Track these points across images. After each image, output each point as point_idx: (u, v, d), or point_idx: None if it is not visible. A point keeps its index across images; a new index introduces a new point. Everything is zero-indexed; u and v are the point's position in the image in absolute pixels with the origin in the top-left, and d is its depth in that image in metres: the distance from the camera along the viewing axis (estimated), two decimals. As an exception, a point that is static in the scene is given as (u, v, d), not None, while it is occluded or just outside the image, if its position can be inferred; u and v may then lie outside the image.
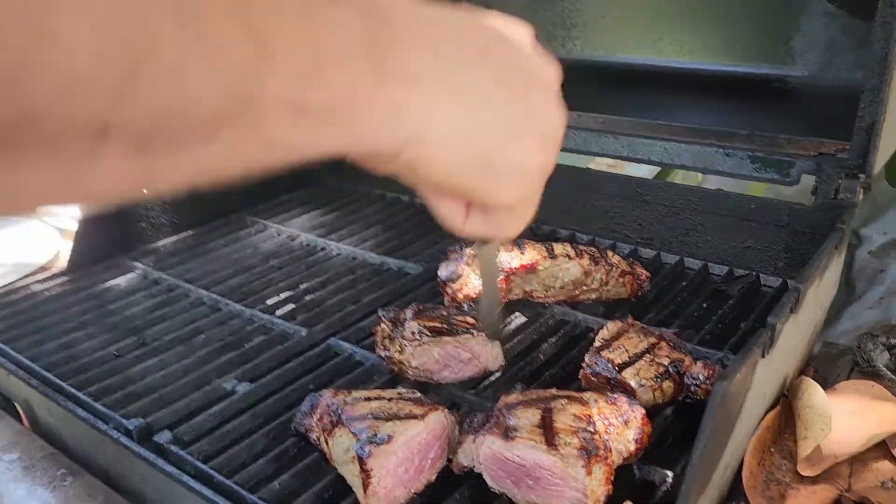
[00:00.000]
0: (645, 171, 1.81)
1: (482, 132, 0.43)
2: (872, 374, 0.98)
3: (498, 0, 1.52)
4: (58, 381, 0.92)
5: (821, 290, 0.93)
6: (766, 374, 0.78)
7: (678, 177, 1.73)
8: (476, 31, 0.45)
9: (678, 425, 0.81)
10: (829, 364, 1.03)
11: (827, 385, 0.97)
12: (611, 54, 1.42)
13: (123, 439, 0.81)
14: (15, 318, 1.07)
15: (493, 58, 0.45)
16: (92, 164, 0.29)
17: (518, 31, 0.49)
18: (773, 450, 0.87)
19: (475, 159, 0.44)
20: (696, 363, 0.81)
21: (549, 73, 0.49)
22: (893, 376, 0.96)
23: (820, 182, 1.03)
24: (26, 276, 1.28)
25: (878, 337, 1.01)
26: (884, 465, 0.83)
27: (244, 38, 0.30)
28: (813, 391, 0.87)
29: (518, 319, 1.02)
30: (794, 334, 0.85)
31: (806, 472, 0.82)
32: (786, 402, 0.90)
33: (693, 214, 1.15)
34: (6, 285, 1.19)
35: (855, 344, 1.02)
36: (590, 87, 1.44)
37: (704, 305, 1.04)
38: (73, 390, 0.90)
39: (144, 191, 0.32)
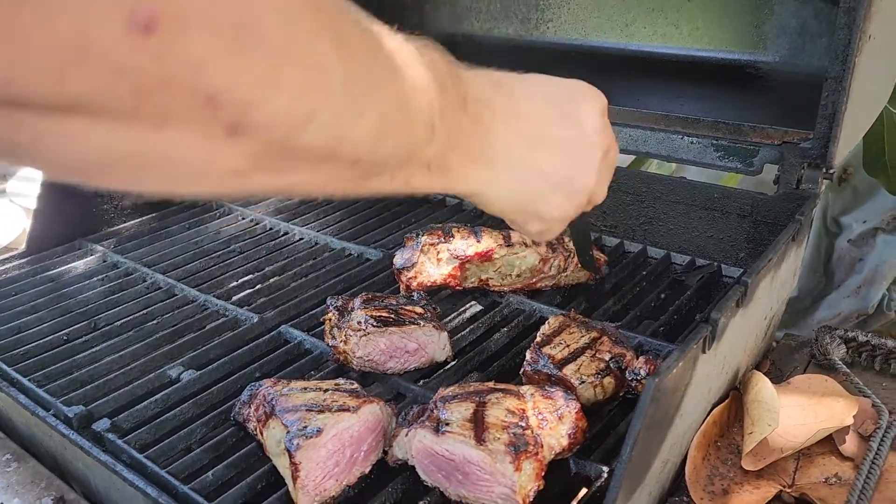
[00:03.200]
0: (621, 160, 1.80)
1: (521, 197, 0.64)
2: (828, 368, 0.97)
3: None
4: (4, 366, 0.91)
5: (776, 282, 0.92)
6: (709, 368, 0.77)
7: (652, 166, 1.72)
8: (545, 113, 0.63)
9: (621, 421, 0.80)
10: (787, 357, 1.02)
11: (783, 378, 0.96)
12: (582, 38, 1.40)
13: (62, 427, 0.80)
14: (-32, 300, 1.07)
15: (551, 140, 0.63)
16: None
17: (591, 105, 0.66)
18: (719, 444, 0.86)
19: (516, 210, 0.65)
20: (637, 358, 0.80)
21: (600, 143, 0.66)
22: (849, 370, 0.95)
23: (782, 171, 1.01)
24: (-13, 258, 1.27)
25: (836, 330, 1.00)
26: (829, 461, 0.83)
27: (426, 129, 0.50)
28: (762, 385, 0.86)
29: (473, 309, 1.01)
30: (744, 328, 0.84)
31: (749, 467, 0.81)
32: (737, 396, 0.89)
33: (657, 203, 1.14)
34: (-37, 267, 1.18)
35: (813, 337, 1.01)
36: (561, 71, 1.42)
37: (662, 296, 1.03)
38: (17, 376, 0.89)
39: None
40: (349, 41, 0.42)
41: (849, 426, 0.84)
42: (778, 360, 1.01)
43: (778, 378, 0.95)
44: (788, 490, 0.79)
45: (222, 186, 0.41)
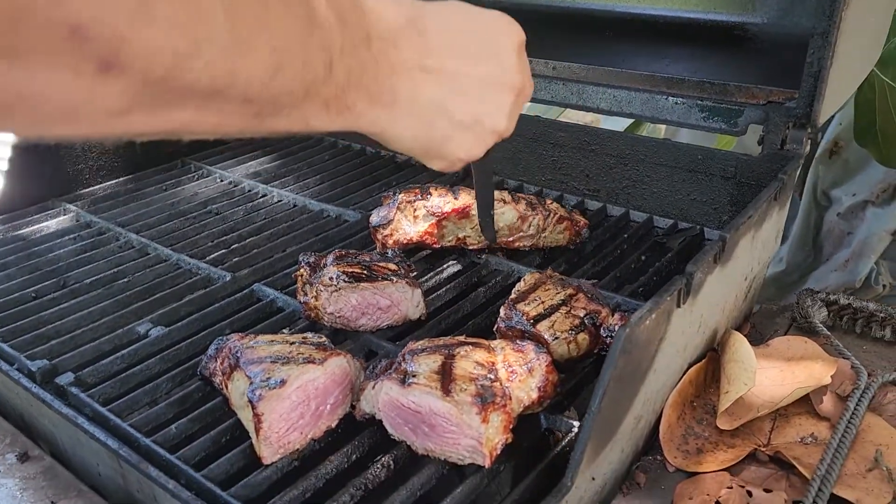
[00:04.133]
0: (622, 125, 1.78)
1: (426, 137, 0.61)
2: (809, 331, 0.96)
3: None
4: (-32, 321, 0.89)
5: (757, 242, 0.90)
6: (684, 324, 0.75)
7: (645, 130, 1.70)
8: (456, 47, 0.60)
9: (595, 377, 0.79)
10: (768, 320, 1.01)
11: (763, 341, 0.95)
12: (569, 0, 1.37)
13: (25, 381, 0.79)
14: (-65, 258, 1.04)
15: (460, 78, 0.61)
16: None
17: (508, 40, 0.63)
18: (695, 404, 0.85)
19: (417, 149, 0.63)
20: (613, 315, 0.78)
21: (514, 85, 0.64)
22: (829, 333, 0.94)
23: (767, 132, 0.99)
24: (-42, 218, 1.25)
25: (818, 294, 0.98)
26: (806, 421, 0.82)
27: (324, 67, 0.48)
28: (739, 345, 0.85)
29: (451, 269, 0.99)
30: (722, 286, 0.83)
31: (724, 426, 0.80)
32: (714, 357, 0.88)
33: (640, 165, 1.12)
34: (-66, 226, 1.16)
35: (795, 300, 1.00)
36: (546, 33, 1.39)
37: (643, 258, 1.01)
38: (-19, 331, 0.87)
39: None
40: None
41: (826, 386, 0.83)
42: (759, 324, 1.00)
43: (758, 340, 0.94)
44: (763, 449, 0.78)
45: (100, 127, 0.38)
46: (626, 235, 1.06)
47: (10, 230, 1.13)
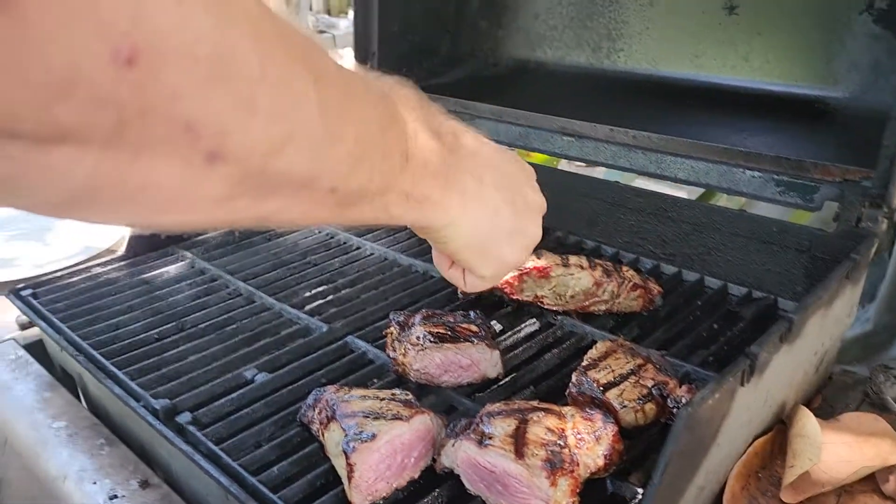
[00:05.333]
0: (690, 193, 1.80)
1: (490, 232, 0.69)
2: (881, 407, 0.97)
3: (547, 12, 1.56)
4: (102, 359, 1.01)
5: (828, 320, 0.93)
6: (749, 400, 0.79)
7: (722, 199, 1.72)
8: (505, 166, 0.71)
9: (661, 445, 0.83)
10: (841, 393, 1.03)
11: (833, 415, 0.97)
12: (652, 67, 1.43)
13: (150, 417, 0.90)
14: (74, 297, 1.19)
15: (510, 187, 0.71)
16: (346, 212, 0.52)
17: (530, 171, 0.77)
18: (760, 475, 0.88)
19: (478, 247, 0.70)
20: (680, 387, 0.83)
21: (540, 203, 0.76)
22: (902, 410, 0.95)
23: (842, 209, 1.02)
24: (91, 259, 1.40)
25: (892, 369, 1.00)
26: (871, 500, 0.83)
27: (401, 156, 0.55)
28: (806, 420, 0.88)
29: (528, 328, 1.06)
30: (790, 363, 0.86)
31: (788, 500, 0.83)
32: (782, 429, 0.91)
33: (716, 234, 1.16)
34: (71, 266, 1.31)
35: (867, 374, 1.01)
36: (629, 101, 1.46)
37: (715, 326, 1.05)
38: (113, 369, 0.99)
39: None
40: (323, 69, 0.44)
41: (893, 466, 0.85)
42: (830, 397, 1.02)
43: (828, 414, 0.96)
44: (826, 525, 0.80)
45: (205, 214, 0.42)
46: (699, 302, 1.10)
47: (135, 273, 1.26)
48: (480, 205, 0.67)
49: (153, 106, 0.34)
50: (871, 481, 0.85)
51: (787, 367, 0.86)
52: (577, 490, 0.71)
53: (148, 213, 0.40)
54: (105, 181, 0.36)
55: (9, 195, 0.36)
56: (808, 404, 0.97)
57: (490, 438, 0.73)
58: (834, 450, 0.88)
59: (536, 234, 0.75)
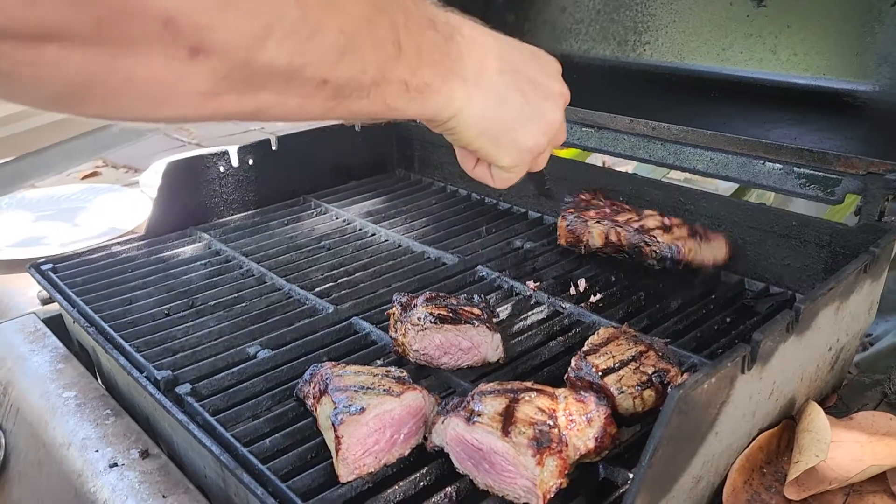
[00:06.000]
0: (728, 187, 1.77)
1: (499, 118, 0.68)
2: (899, 408, 0.93)
3: (574, 5, 1.55)
4: (112, 331, 1.03)
5: (843, 314, 0.89)
6: (752, 390, 0.76)
7: (753, 195, 1.68)
8: (513, 53, 0.70)
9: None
10: (858, 393, 0.99)
11: (848, 414, 0.93)
12: (679, 60, 1.40)
13: (151, 387, 0.90)
14: (92, 274, 1.21)
15: (520, 73, 0.69)
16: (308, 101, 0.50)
17: (550, 61, 0.76)
18: (765, 471, 0.85)
19: (489, 135, 0.69)
20: (682, 374, 0.81)
21: (559, 90, 0.74)
22: (921, 412, 0.91)
23: (865, 202, 0.98)
24: (113, 238, 1.43)
25: (912, 369, 0.95)
26: (881, 500, 0.80)
27: (393, 45, 0.54)
28: (815, 416, 0.84)
29: (535, 315, 1.04)
30: (799, 355, 0.83)
31: (792, 496, 0.80)
32: (790, 425, 0.87)
33: (734, 228, 1.13)
34: (93, 245, 1.34)
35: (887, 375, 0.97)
36: (654, 94, 1.43)
37: (728, 320, 1.02)
38: (121, 341, 1.00)
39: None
40: None
41: (906, 466, 0.81)
42: (846, 396, 0.98)
43: (843, 414, 0.93)
44: (830, 523, 0.77)
45: (195, 109, 0.44)
46: (713, 296, 1.07)
47: (153, 252, 1.28)
48: (485, 91, 0.66)
49: (130, 3, 0.36)
50: (881, 481, 0.81)
51: (797, 360, 0.83)
52: (566, 471, 0.69)
53: (140, 108, 0.42)
54: (92, 77, 0.39)
55: (9, 91, 0.39)
56: (822, 403, 0.93)
57: (479, 416, 0.71)
58: (845, 448, 0.85)
59: (555, 120, 0.73)
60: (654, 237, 1.09)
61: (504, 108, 0.68)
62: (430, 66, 0.60)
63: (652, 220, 1.12)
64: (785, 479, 0.83)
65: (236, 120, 0.48)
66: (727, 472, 0.81)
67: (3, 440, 1.09)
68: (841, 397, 0.97)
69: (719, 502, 0.80)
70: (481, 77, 0.65)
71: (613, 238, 1.13)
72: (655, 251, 1.09)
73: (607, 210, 1.16)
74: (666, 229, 1.10)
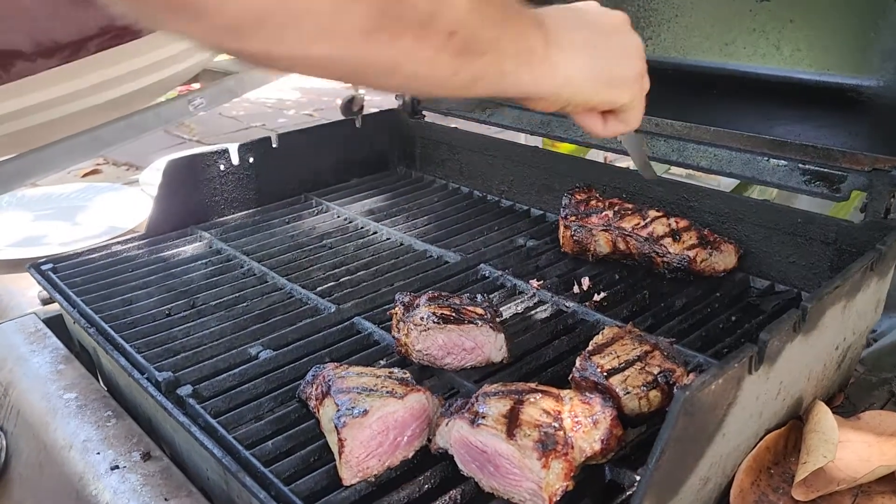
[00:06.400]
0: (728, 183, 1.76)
1: (600, 67, 0.74)
2: (907, 407, 0.93)
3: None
4: (112, 332, 1.02)
5: (850, 312, 0.89)
6: (759, 391, 0.76)
7: (755, 192, 1.67)
8: (590, 18, 0.76)
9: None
10: (865, 392, 0.98)
11: (855, 414, 0.92)
12: (681, 56, 1.39)
13: (152, 389, 0.90)
14: (92, 274, 1.20)
15: (600, 31, 0.75)
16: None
17: (618, 15, 0.80)
18: (773, 471, 0.84)
19: (601, 83, 0.75)
20: (688, 374, 0.80)
21: (624, 18, 0.81)
22: (928, 411, 0.90)
23: (870, 199, 0.97)
24: (114, 238, 1.42)
25: (919, 368, 0.95)
26: (890, 501, 0.79)
27: (503, 7, 0.61)
28: (822, 416, 0.84)
29: (540, 314, 1.04)
30: (806, 355, 0.82)
31: (800, 497, 0.79)
32: (797, 425, 0.87)
33: (738, 225, 1.12)
34: (93, 245, 1.33)
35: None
36: (656, 90, 1.41)
37: (733, 318, 1.01)
38: (122, 342, 1.00)
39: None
40: None
41: (915, 467, 0.80)
42: (853, 395, 0.97)
43: (851, 413, 0.92)
44: (838, 524, 0.76)
45: (347, 46, 0.50)
46: (718, 294, 1.06)
47: (153, 252, 1.28)
48: (578, 49, 0.71)
49: None
50: (890, 482, 0.80)
51: (804, 360, 0.82)
52: (571, 474, 0.68)
53: (301, 42, 0.48)
54: (267, 8, 0.45)
55: (185, 20, 0.45)
56: (829, 402, 0.92)
57: (483, 418, 0.71)
58: (853, 448, 0.84)
59: (637, 42, 0.80)
60: (665, 247, 1.08)
61: (598, 55, 0.74)
62: (532, 28, 0.66)
63: (660, 225, 1.10)
64: (792, 480, 0.82)
65: (376, 72, 0.54)
66: (734, 474, 0.80)
67: (3, 442, 1.08)
68: (848, 396, 0.97)
69: (724, 503, 0.79)
70: (576, 43, 0.71)
71: (622, 246, 1.12)
72: (667, 262, 1.08)
73: (609, 214, 1.15)
74: (675, 237, 1.08)
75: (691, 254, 1.07)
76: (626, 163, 1.59)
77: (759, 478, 0.82)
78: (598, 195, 1.21)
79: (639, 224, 1.12)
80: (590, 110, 0.79)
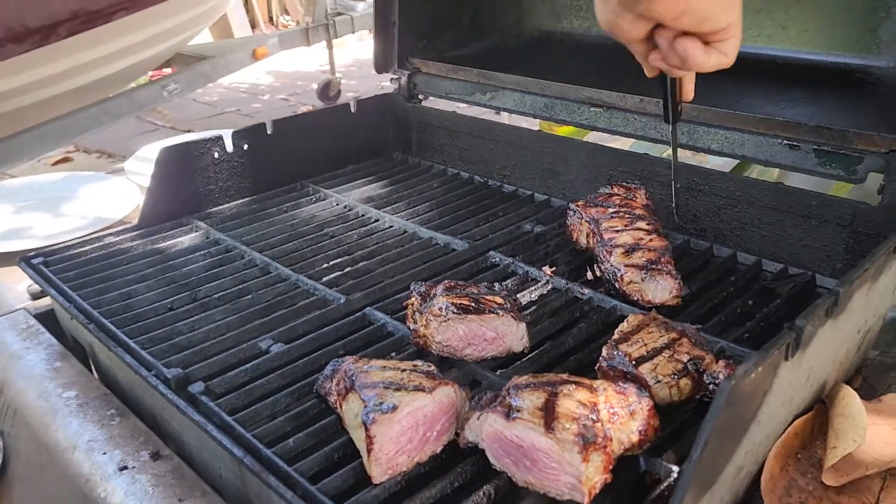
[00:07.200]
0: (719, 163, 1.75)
1: None
2: (926, 388, 0.92)
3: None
4: (113, 328, 0.98)
5: (873, 295, 0.88)
6: (792, 377, 0.75)
7: (754, 172, 1.66)
8: None
9: (696, 423, 0.79)
10: (882, 374, 0.98)
11: (875, 395, 0.92)
12: (684, 37, 1.37)
13: (161, 387, 0.86)
14: (86, 267, 1.16)
15: None
16: None
17: None
18: (800, 456, 0.83)
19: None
20: (717, 362, 0.79)
21: None
22: (949, 392, 0.90)
23: (888, 181, 0.97)
24: (104, 229, 1.37)
25: (938, 350, 0.95)
26: (919, 484, 0.79)
27: None
28: (850, 400, 0.83)
29: (554, 303, 1.02)
30: (834, 339, 0.81)
31: (830, 482, 0.78)
32: (822, 410, 0.86)
33: (750, 208, 1.11)
34: (84, 236, 1.28)
35: (912, 355, 0.96)
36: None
37: (750, 303, 1.00)
38: (124, 338, 0.96)
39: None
40: None
41: (943, 450, 0.80)
42: (871, 377, 0.97)
43: (870, 395, 0.92)
44: (871, 509, 0.76)
45: None
46: (732, 278, 1.05)
47: (148, 243, 1.23)
48: None
49: None
50: (919, 465, 0.80)
51: (831, 344, 0.82)
52: (610, 467, 0.67)
53: None
54: None
55: None
56: (848, 384, 0.92)
57: (518, 411, 0.69)
58: (877, 431, 0.84)
59: None
60: (607, 255, 1.02)
61: None
62: None
63: (628, 236, 1.03)
64: (820, 465, 0.82)
65: None
66: (765, 460, 0.79)
67: (0, 443, 1.04)
68: (866, 378, 0.96)
69: (756, 490, 0.78)
70: None
71: (591, 243, 1.10)
72: (602, 270, 1.03)
73: (609, 210, 1.10)
74: (630, 251, 1.01)
75: (622, 270, 0.98)
76: (625, 144, 1.57)
77: (787, 463, 0.82)
78: (629, 196, 1.13)
79: (615, 227, 1.06)
80: (699, 24, 0.75)
